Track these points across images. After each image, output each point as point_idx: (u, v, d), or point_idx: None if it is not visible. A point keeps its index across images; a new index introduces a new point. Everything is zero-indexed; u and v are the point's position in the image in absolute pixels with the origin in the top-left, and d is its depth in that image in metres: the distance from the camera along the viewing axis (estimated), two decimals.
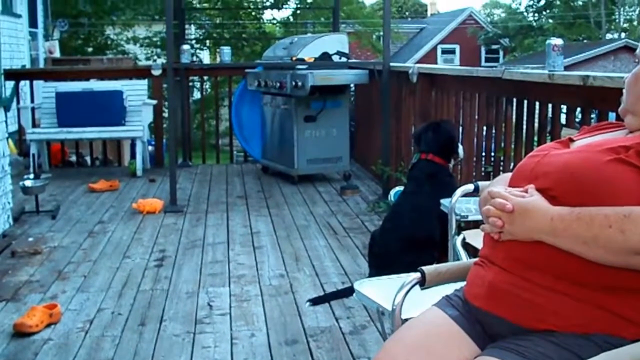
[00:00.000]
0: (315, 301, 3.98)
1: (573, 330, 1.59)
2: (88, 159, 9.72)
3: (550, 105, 3.86)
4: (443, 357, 1.73)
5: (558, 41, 3.59)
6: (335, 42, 7.73)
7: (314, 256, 4.98)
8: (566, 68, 3.75)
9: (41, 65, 13.56)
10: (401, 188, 5.43)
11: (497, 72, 4.34)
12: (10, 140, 8.22)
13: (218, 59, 10.09)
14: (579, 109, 3.60)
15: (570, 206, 1.61)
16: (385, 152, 6.80)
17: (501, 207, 1.69)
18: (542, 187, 1.69)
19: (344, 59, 7.65)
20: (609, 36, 36.73)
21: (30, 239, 5.51)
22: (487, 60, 37.33)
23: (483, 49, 38.35)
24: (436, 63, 34.25)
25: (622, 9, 39.10)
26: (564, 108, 3.79)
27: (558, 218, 1.61)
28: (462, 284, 1.91)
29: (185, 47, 8.59)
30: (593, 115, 3.56)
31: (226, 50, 8.46)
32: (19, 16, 12.74)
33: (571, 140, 1.86)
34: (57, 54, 14.91)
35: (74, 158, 9.77)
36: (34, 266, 4.82)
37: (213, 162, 9.46)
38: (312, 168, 7.64)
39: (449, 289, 1.97)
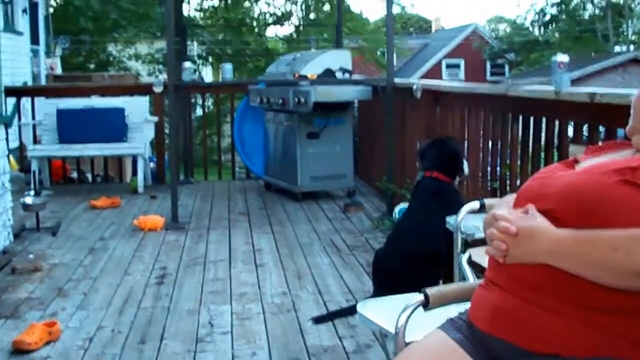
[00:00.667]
0: (318, 320, 3.96)
1: (579, 355, 1.57)
2: (89, 175, 9.71)
3: (557, 122, 3.84)
4: None
5: (564, 58, 3.57)
6: (338, 59, 7.72)
7: (317, 274, 4.96)
8: (574, 82, 3.75)
9: (43, 81, 13.60)
10: (406, 205, 5.41)
11: (502, 88, 4.34)
12: (11, 156, 8.23)
13: (220, 76, 10.09)
14: (586, 126, 3.58)
15: (575, 228, 1.60)
16: (389, 168, 6.78)
17: (505, 230, 1.67)
18: (545, 209, 1.67)
19: (347, 75, 7.64)
20: (617, 49, 36.68)
21: (31, 256, 5.49)
22: (492, 74, 37.34)
23: (488, 64, 38.37)
24: (441, 78, 34.22)
25: (630, 21, 39.10)
26: (570, 125, 3.78)
27: (563, 241, 1.59)
28: (467, 305, 1.89)
29: (187, 64, 8.60)
30: (601, 131, 3.53)
31: (227, 67, 8.48)
32: (21, 33, 12.80)
33: (576, 161, 1.84)
34: (58, 71, 14.96)
35: (75, 175, 9.76)
36: (34, 283, 4.81)
37: (215, 179, 9.44)
38: (315, 185, 7.61)
39: (453, 309, 1.94)
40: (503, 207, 1.82)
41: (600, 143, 2.22)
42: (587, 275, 1.56)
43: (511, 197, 1.89)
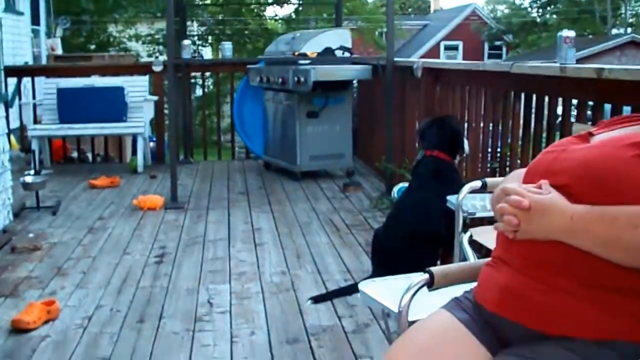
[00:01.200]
0: (317, 299, 3.90)
1: (593, 337, 1.49)
2: (89, 155, 9.64)
3: (560, 100, 3.75)
4: None
5: (570, 33, 3.48)
6: (338, 37, 7.61)
7: (316, 253, 4.89)
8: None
9: (44, 62, 13.52)
10: (405, 184, 5.35)
11: (505, 66, 4.23)
12: (12, 136, 8.16)
13: (220, 56, 9.99)
14: (590, 104, 3.48)
15: (590, 204, 1.51)
16: (388, 148, 6.70)
17: (517, 204, 1.57)
18: (559, 184, 1.58)
19: (347, 54, 7.55)
20: (614, 31, 36.50)
21: (30, 235, 5.44)
22: (490, 56, 37.22)
23: (486, 46, 38.22)
24: (441, 59, 34.15)
25: (628, 3, 38.89)
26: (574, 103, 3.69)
27: (578, 217, 1.50)
28: (472, 285, 1.80)
29: (186, 42, 8.50)
30: (607, 110, 3.44)
31: (227, 45, 8.39)
32: (22, 14, 12.70)
33: (590, 134, 1.74)
34: (59, 51, 14.86)
35: (75, 154, 9.71)
36: (33, 262, 4.75)
37: (214, 159, 9.37)
38: (314, 164, 7.55)
39: (458, 290, 1.87)
40: (512, 181, 1.73)
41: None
42: (603, 254, 1.47)
43: (521, 171, 1.79)
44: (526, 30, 38.25)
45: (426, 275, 1.89)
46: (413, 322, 1.82)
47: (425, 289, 1.90)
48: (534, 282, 1.56)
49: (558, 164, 1.63)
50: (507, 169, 4.35)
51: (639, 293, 1.48)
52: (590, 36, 34.66)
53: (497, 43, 38.44)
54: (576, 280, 1.51)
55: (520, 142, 4.25)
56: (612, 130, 1.73)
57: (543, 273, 1.55)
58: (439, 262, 3.87)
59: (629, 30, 36.37)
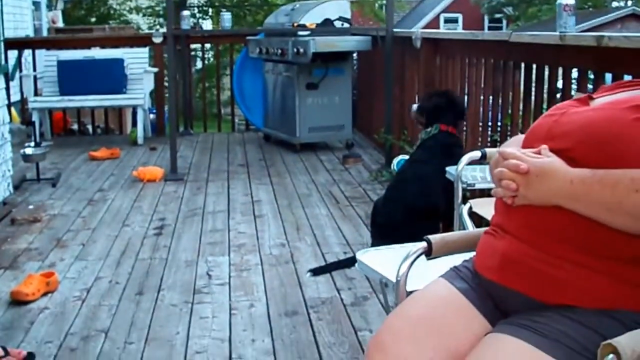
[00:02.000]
0: (316, 271, 3.86)
1: (595, 306, 1.44)
2: (90, 127, 9.58)
3: (560, 70, 3.68)
4: (449, 333, 1.60)
5: (570, 1, 3.40)
6: (337, 8, 7.53)
7: (316, 225, 4.85)
8: None
9: (44, 34, 13.43)
10: (404, 157, 5.29)
11: (504, 35, 4.16)
12: (13, 109, 8.11)
13: (220, 27, 9.92)
14: (591, 73, 3.41)
15: (591, 168, 1.45)
16: (388, 120, 6.64)
17: (515, 168, 1.52)
18: (560, 148, 1.52)
19: (346, 25, 7.47)
20: (615, 4, 36.21)
21: (31, 207, 5.42)
22: (490, 29, 36.82)
23: (486, 18, 37.95)
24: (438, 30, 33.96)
25: None
26: (574, 73, 3.62)
27: (579, 181, 1.45)
28: (471, 254, 1.76)
29: (186, 12, 8.41)
30: (607, 78, 3.37)
31: (226, 16, 8.28)
32: None
33: (591, 97, 1.68)
34: (60, 24, 14.78)
35: (75, 126, 9.66)
36: (33, 234, 4.73)
37: (214, 131, 9.31)
38: (314, 136, 7.49)
39: (457, 259, 1.82)
40: (512, 145, 1.67)
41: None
42: (604, 219, 1.42)
43: (521, 137, 1.74)
44: (526, 3, 37.92)
45: (424, 244, 1.84)
46: (412, 293, 1.78)
47: (424, 259, 1.85)
48: (534, 250, 1.51)
49: (558, 127, 1.58)
50: (508, 139, 4.29)
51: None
52: (590, 9, 34.38)
53: (497, 16, 38.15)
54: (577, 248, 1.46)
55: (520, 113, 4.19)
56: (613, 93, 1.67)
57: (543, 240, 1.50)
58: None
59: (630, 2, 36.08)
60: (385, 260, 2.25)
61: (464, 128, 4.98)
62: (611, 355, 1.27)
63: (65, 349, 3.08)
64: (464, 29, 36.65)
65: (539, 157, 1.53)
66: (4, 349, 2.89)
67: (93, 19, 21.30)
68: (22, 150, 6.17)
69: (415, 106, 4.34)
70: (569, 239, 1.47)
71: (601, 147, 1.47)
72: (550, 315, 1.46)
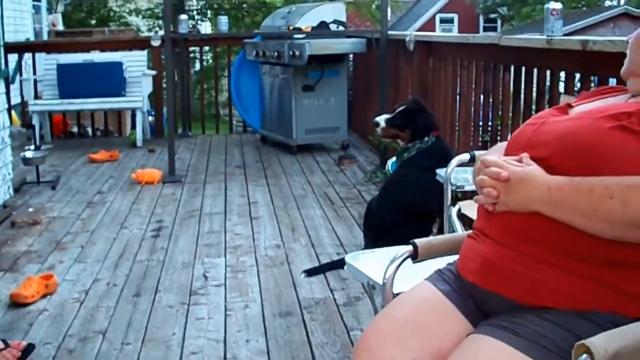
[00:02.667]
0: (310, 272, 3.88)
1: (571, 308, 1.48)
2: (89, 129, 9.61)
3: (548, 72, 3.71)
4: (433, 334, 1.63)
5: (557, 5, 3.43)
6: (332, 11, 7.59)
7: (310, 226, 4.87)
8: (565, 36, 3.60)
9: (45, 38, 13.45)
10: None
11: (494, 38, 4.19)
12: (14, 112, 8.14)
13: (217, 29, 9.95)
14: (578, 75, 3.45)
15: (569, 176, 1.49)
16: None
17: (496, 176, 1.55)
18: (539, 157, 1.56)
19: (341, 28, 7.50)
20: (608, 3, 36.19)
21: (30, 210, 5.44)
22: (485, 29, 36.92)
23: (481, 18, 37.95)
24: (435, 32, 33.92)
25: None
26: (562, 75, 3.65)
27: (556, 188, 1.48)
28: (455, 257, 1.79)
29: (183, 17, 8.46)
30: (593, 83, 3.41)
31: (223, 20, 8.36)
32: None
33: (570, 106, 1.72)
34: (60, 27, 14.77)
35: (75, 129, 9.69)
36: (32, 236, 4.76)
37: (212, 132, 9.34)
38: (310, 138, 7.52)
39: (443, 262, 1.85)
40: (493, 154, 1.70)
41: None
42: (581, 225, 1.46)
43: (502, 145, 1.77)
44: (520, 3, 37.91)
45: (410, 247, 1.87)
46: (398, 295, 1.81)
47: (412, 262, 1.88)
48: (513, 254, 1.54)
49: (538, 136, 1.61)
50: (498, 140, 4.32)
51: (616, 265, 1.47)
52: (584, 8, 34.38)
53: (492, 16, 38.14)
54: (554, 252, 1.50)
55: (510, 114, 4.22)
56: (590, 101, 1.71)
57: (522, 244, 1.54)
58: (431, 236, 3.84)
59: (622, 1, 36.06)
60: (374, 262, 2.28)
61: (456, 128, 5.02)
62: (585, 355, 1.29)
63: (64, 350, 3.10)
64: (459, 29, 36.64)
65: (519, 165, 1.56)
66: (4, 341, 2.93)
67: (93, 21, 21.28)
68: (22, 154, 6.18)
69: (382, 119, 4.13)
70: (547, 243, 1.51)
71: (578, 155, 1.51)
72: (528, 316, 1.50)
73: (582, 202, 1.44)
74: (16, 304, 3.57)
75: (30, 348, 2.97)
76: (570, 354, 1.33)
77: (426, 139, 4.02)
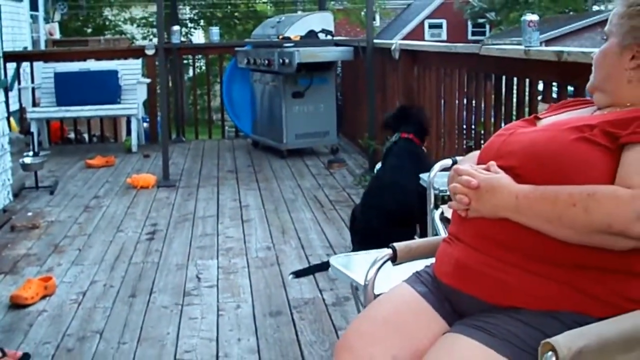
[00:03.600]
0: (298, 274, 3.93)
1: (540, 308, 1.53)
2: (86, 136, 9.64)
3: (527, 81, 3.78)
4: (411, 333, 1.67)
5: (533, 17, 3.50)
6: (321, 20, 7.66)
7: (300, 229, 4.92)
8: (552, 41, 3.68)
9: (42, 47, 13.45)
10: None
11: (475, 48, 4.26)
12: (12, 119, 8.16)
13: (209, 39, 10.00)
14: (555, 84, 3.51)
15: (535, 185, 1.55)
16: (371, 126, 6.72)
17: (467, 184, 1.62)
18: (507, 166, 1.62)
19: (329, 37, 7.57)
20: (595, 8, 36.28)
21: (29, 214, 5.47)
22: (473, 34, 36.95)
23: (469, 24, 37.99)
24: (423, 38, 33.93)
25: None
26: (541, 84, 3.71)
27: (522, 196, 1.54)
28: (432, 260, 1.84)
29: (175, 28, 8.52)
30: (570, 90, 3.47)
31: (214, 30, 8.41)
32: (21, 0, 12.60)
33: (537, 118, 1.79)
34: (57, 36, 14.79)
35: (72, 135, 9.70)
36: (32, 240, 4.79)
37: (205, 138, 9.37)
38: (300, 142, 7.57)
39: (422, 264, 1.90)
40: (466, 162, 1.77)
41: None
42: (546, 230, 1.51)
43: (475, 154, 1.83)
44: (508, 8, 37.98)
45: (389, 251, 1.93)
46: (380, 296, 1.86)
47: (392, 264, 1.94)
48: (484, 257, 1.60)
49: (506, 146, 1.68)
50: (482, 145, 4.37)
51: (581, 268, 1.52)
52: (571, 13, 34.45)
53: (480, 21, 38.20)
54: (522, 255, 1.55)
55: (492, 120, 4.28)
56: (558, 114, 1.77)
57: (493, 248, 1.59)
58: (416, 238, 3.90)
59: (610, 6, 36.07)
60: (357, 265, 2.34)
61: (442, 134, 5.08)
62: (550, 353, 1.34)
63: (63, 349, 3.15)
64: (447, 34, 36.67)
65: (489, 173, 1.62)
66: (2, 350, 2.96)
67: (89, 30, 21.29)
68: (21, 160, 6.22)
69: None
70: (516, 247, 1.56)
71: (543, 165, 1.57)
72: (499, 316, 1.55)
73: (547, 210, 1.50)
74: (16, 305, 3.61)
75: (25, 358, 3.00)
76: (538, 351, 1.39)
77: (393, 137, 4.15)
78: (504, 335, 1.51)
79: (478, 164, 1.72)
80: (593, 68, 1.77)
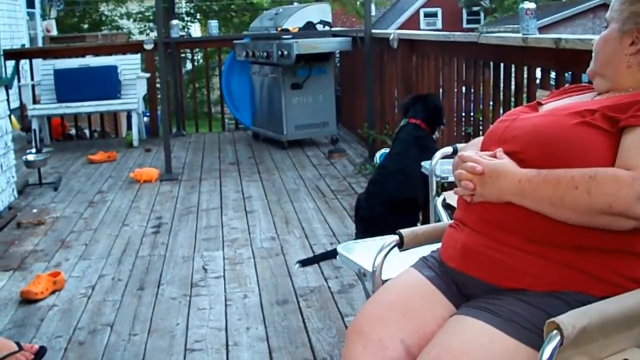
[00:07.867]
0: (304, 262, 3.97)
1: (544, 289, 1.58)
2: (87, 131, 9.66)
3: (525, 68, 3.81)
4: (419, 316, 1.72)
5: (531, 5, 3.52)
6: (318, 12, 7.68)
7: (304, 219, 4.96)
8: (545, 28, 3.73)
9: (40, 44, 13.45)
10: (386, 150, 5.40)
11: (473, 37, 4.29)
12: (13, 116, 8.18)
13: (207, 33, 10.00)
14: (553, 71, 3.55)
15: (539, 168, 1.59)
16: (370, 116, 6.76)
17: (472, 170, 1.66)
18: (510, 151, 1.66)
19: (327, 28, 7.59)
20: None
21: (34, 210, 5.50)
22: (468, 22, 36.93)
23: (464, 12, 37.94)
24: (419, 27, 33.91)
25: None
26: (539, 71, 3.75)
27: (526, 180, 1.58)
28: (438, 245, 1.89)
29: (175, 22, 8.52)
30: (567, 77, 3.51)
31: (213, 23, 8.40)
32: None
33: (539, 104, 1.83)
34: (54, 33, 14.79)
35: (73, 131, 9.74)
36: (38, 236, 4.82)
37: (206, 131, 9.40)
38: (300, 133, 7.61)
39: (427, 250, 1.94)
40: (470, 149, 1.81)
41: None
42: (549, 213, 1.56)
43: (478, 140, 1.88)
44: None
45: (396, 237, 1.97)
46: (387, 281, 1.90)
47: (398, 250, 1.98)
48: (490, 241, 1.64)
49: (510, 132, 1.72)
50: (480, 132, 4.42)
51: (583, 249, 1.57)
52: (564, 0, 34.40)
53: (475, 9, 38.15)
54: (526, 238, 1.60)
55: (491, 108, 4.32)
56: (559, 99, 1.82)
57: (497, 232, 1.64)
58: (419, 225, 3.93)
59: None
60: (364, 252, 2.38)
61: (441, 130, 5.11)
62: (555, 331, 1.39)
63: (75, 342, 3.19)
64: (443, 22, 36.62)
65: (493, 159, 1.67)
66: (18, 344, 3.00)
67: (86, 26, 21.27)
68: (24, 157, 6.25)
69: None
70: (520, 230, 1.61)
71: (546, 149, 1.61)
72: (505, 298, 1.60)
73: (549, 193, 1.54)
74: (27, 300, 3.65)
75: (42, 351, 3.02)
76: (543, 330, 1.43)
77: (401, 122, 4.19)
78: (509, 316, 1.56)
79: (482, 150, 1.76)
80: (593, 54, 1.81)
